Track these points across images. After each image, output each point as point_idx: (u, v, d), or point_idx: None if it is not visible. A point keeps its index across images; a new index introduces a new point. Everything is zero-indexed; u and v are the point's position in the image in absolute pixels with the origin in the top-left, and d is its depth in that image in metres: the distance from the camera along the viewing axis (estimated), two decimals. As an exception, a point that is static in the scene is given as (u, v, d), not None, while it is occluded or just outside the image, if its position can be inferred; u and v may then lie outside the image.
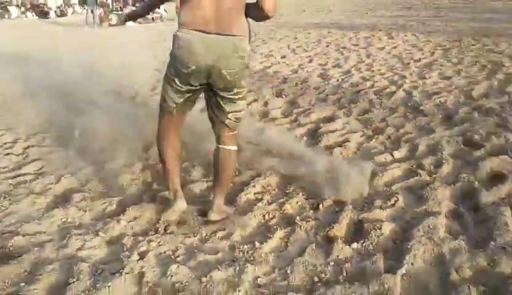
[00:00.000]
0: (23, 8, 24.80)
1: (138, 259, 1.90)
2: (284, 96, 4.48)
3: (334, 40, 7.88)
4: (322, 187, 2.41)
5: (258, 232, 2.13)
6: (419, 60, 5.71)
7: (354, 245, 1.95)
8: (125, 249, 2.00)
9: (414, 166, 2.70)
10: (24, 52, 7.13)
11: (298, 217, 2.20)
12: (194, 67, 1.95)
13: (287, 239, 2.03)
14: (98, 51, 7.42)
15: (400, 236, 2.01)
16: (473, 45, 6.43)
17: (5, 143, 3.43)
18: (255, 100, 4.36)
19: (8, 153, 3.21)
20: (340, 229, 2.08)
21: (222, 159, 2.16)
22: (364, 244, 1.96)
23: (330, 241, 2.02)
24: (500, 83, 4.39)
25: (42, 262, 1.89)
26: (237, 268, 1.82)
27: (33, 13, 23.61)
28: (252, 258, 1.92)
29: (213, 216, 2.18)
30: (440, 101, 3.96)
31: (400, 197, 2.32)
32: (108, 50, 7.48)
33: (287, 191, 2.49)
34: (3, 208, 2.38)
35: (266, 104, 4.26)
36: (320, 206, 2.30)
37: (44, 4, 25.61)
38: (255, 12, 1.99)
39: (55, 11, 24.56)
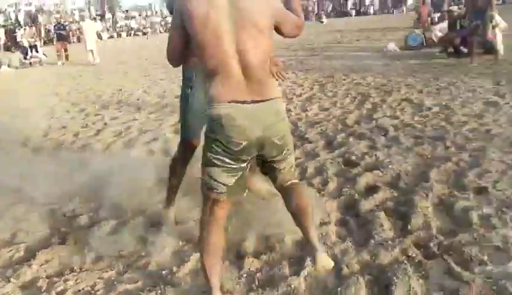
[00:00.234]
0: None
1: (57, 298, 1.93)
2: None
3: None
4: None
5: (174, 257, 2.29)
6: (300, 95, 6.35)
7: (263, 257, 2.21)
8: (42, 290, 2.00)
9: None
10: None
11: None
12: (245, 143, 1.73)
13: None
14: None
15: (301, 244, 2.32)
16: (344, 79, 7.33)
17: None
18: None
19: None
20: (249, 245, 2.33)
21: (299, 195, 1.96)
22: (271, 255, 2.23)
23: (241, 257, 2.26)
24: (369, 111, 5.12)
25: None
26: (159, 292, 1.96)
27: None
28: (171, 282, 2.07)
29: (326, 258, 1.91)
30: (321, 129, 4.51)
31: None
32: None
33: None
34: None
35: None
36: (229, 227, 2.53)
37: None
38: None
39: None
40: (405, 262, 2.11)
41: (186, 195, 2.82)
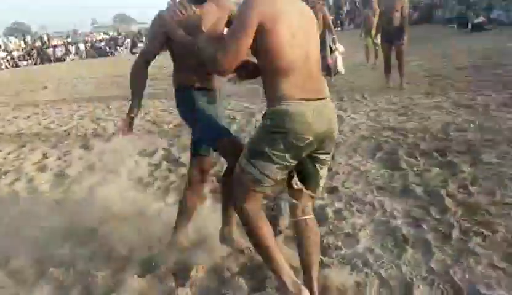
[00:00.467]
0: None
1: None
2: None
3: (87, 113, 8.06)
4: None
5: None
6: (170, 122, 6.49)
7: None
8: None
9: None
10: None
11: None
12: (311, 138, 1.81)
13: None
14: None
15: (183, 260, 2.49)
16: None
17: None
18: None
19: None
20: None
21: (311, 231, 1.99)
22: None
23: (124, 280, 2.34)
24: (235, 133, 5.52)
25: None
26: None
27: None
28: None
29: None
30: (193, 152, 4.73)
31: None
32: None
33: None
34: None
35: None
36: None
37: None
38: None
39: None
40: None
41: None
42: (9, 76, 21.29)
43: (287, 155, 1.82)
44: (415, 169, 3.58)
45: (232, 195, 1.99)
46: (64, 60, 31.08)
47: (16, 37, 36.30)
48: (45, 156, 5.21)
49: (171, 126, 6.23)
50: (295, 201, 1.99)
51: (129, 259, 2.54)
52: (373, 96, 6.77)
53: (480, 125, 4.54)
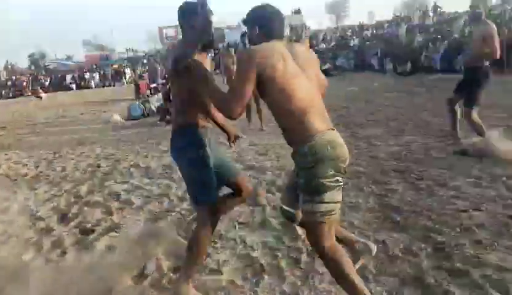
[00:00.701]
0: None
1: None
2: None
3: None
4: None
5: None
6: (26, 174, 6.05)
7: None
8: None
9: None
10: None
11: None
12: (347, 159, 2.09)
13: None
14: None
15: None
16: (72, 153, 7.34)
17: None
18: None
19: None
20: None
21: None
22: None
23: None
24: (100, 180, 5.39)
25: None
26: None
27: None
28: None
29: None
30: (53, 204, 4.50)
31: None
32: None
33: None
34: None
35: None
36: None
37: None
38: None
39: None
40: None
41: None
42: None
43: (338, 177, 2.06)
44: (272, 203, 3.95)
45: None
46: None
47: None
48: None
49: (28, 177, 5.82)
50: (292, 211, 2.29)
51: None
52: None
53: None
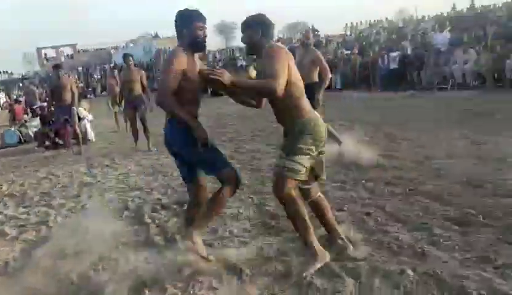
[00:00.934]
0: None
1: None
2: None
3: None
4: None
5: None
6: None
7: None
8: None
9: None
10: None
11: None
12: (324, 138, 2.85)
13: None
14: None
15: None
16: None
17: None
18: None
19: None
20: None
21: (323, 201, 3.08)
22: None
23: None
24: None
25: None
26: None
27: None
28: None
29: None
30: None
31: None
32: None
33: None
34: None
35: None
36: None
37: None
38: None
39: None
40: None
41: None
42: None
43: (313, 148, 2.75)
44: (157, 221, 4.01)
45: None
46: None
47: None
48: None
49: None
50: (308, 186, 2.94)
51: None
52: (123, 159, 7.10)
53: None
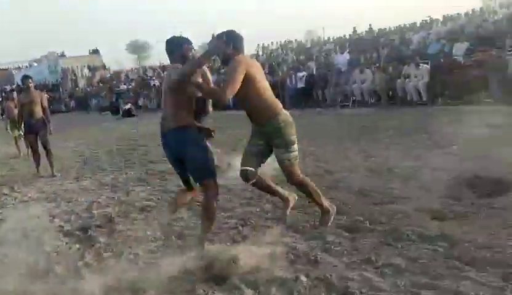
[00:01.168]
0: None
1: None
2: None
3: None
4: None
5: None
6: None
7: None
8: None
9: None
10: None
11: None
12: None
13: None
14: None
15: None
16: None
17: None
18: None
19: None
20: None
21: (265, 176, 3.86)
22: None
23: None
24: None
25: None
26: None
27: None
28: None
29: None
30: None
31: None
32: None
33: None
34: None
35: None
36: None
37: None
38: None
39: None
40: None
41: None
42: None
43: (295, 135, 3.51)
44: (59, 249, 3.87)
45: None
46: None
47: None
48: None
49: None
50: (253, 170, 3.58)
51: None
52: (24, 187, 6.69)
53: (119, 200, 5.32)
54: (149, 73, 28.39)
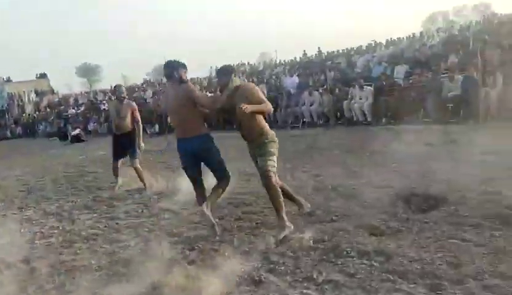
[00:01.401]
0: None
1: None
2: None
3: None
4: None
5: None
6: None
7: None
8: None
9: None
10: None
11: None
12: None
13: None
14: None
15: None
16: None
17: None
18: None
19: None
20: None
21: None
22: None
23: None
24: None
25: None
26: None
27: None
28: None
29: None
30: None
31: None
32: None
33: None
34: None
35: None
36: None
37: None
38: None
39: None
40: None
41: None
42: None
43: (276, 148, 4.21)
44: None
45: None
46: None
47: None
48: None
49: None
50: None
51: None
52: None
53: (64, 229, 5.18)
54: (100, 97, 27.81)
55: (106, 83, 44.63)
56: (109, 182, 7.77)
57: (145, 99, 22.09)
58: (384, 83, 12.30)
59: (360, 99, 12.27)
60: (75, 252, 4.34)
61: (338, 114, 13.08)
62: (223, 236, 4.28)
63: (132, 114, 6.77)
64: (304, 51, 25.51)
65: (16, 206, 6.79)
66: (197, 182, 4.48)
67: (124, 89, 7.11)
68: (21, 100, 34.00)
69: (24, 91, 35.31)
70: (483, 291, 2.78)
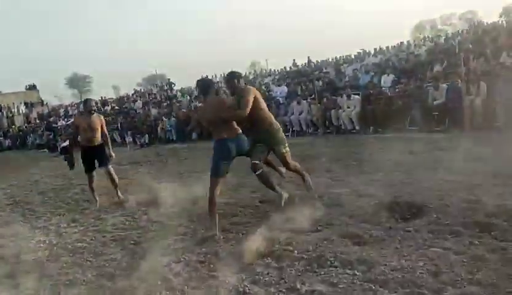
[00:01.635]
0: None
1: None
2: None
3: None
4: None
5: None
6: None
7: None
8: None
9: None
10: None
11: None
12: None
13: None
14: None
15: None
16: None
17: None
18: None
19: None
20: None
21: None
22: None
23: None
24: None
25: None
26: None
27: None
28: None
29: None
30: None
31: None
32: None
33: None
34: None
35: None
36: None
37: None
38: None
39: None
40: None
41: None
42: None
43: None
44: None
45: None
46: None
47: None
48: None
49: None
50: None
51: None
52: None
53: (50, 243, 5.17)
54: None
55: (97, 93, 44.49)
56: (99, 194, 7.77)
57: (135, 110, 22.10)
58: (371, 92, 12.44)
59: (348, 108, 12.39)
60: (61, 266, 4.34)
61: (327, 122, 13.18)
62: (210, 247, 4.31)
63: (101, 127, 6.88)
64: (294, 60, 25.69)
65: (3, 220, 6.75)
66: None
67: (93, 102, 7.29)
68: (11, 112, 33.78)
69: (13, 103, 35.10)
70: (461, 298, 2.84)
